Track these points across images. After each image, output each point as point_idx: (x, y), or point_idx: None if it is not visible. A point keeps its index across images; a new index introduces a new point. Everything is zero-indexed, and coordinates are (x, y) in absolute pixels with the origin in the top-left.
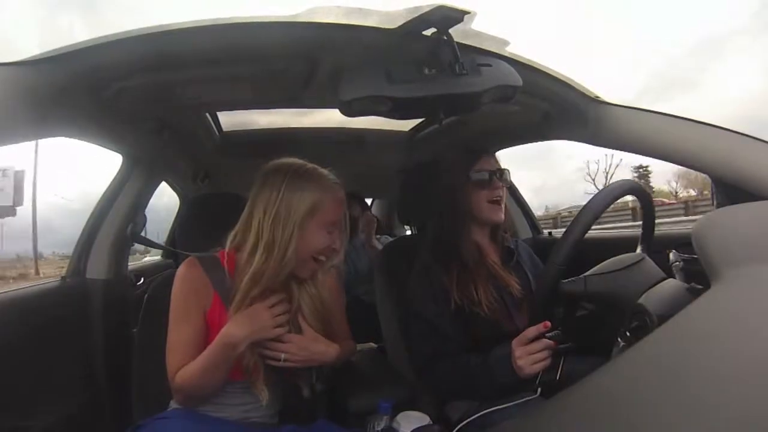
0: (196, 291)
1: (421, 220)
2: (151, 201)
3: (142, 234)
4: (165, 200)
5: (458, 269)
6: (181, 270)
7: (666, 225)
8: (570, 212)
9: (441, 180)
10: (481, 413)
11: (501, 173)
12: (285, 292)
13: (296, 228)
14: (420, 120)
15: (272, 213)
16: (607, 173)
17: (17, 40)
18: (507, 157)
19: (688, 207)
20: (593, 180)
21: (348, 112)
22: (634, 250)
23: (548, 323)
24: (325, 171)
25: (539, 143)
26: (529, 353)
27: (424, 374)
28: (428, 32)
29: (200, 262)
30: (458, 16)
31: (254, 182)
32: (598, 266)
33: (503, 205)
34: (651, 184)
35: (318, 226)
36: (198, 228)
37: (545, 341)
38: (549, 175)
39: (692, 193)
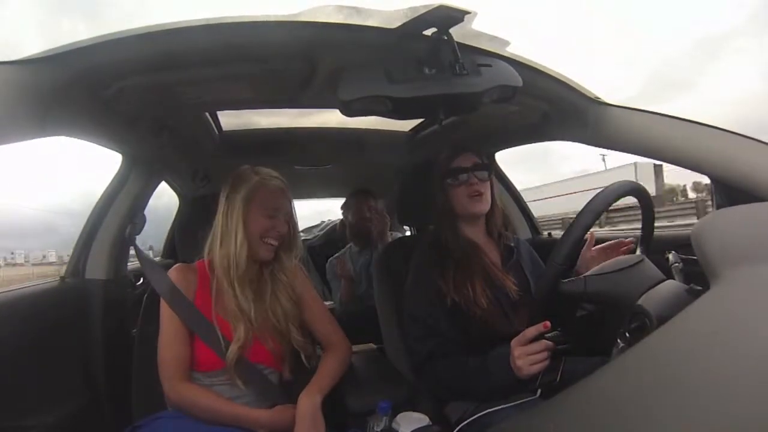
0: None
1: (420, 220)
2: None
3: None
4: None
5: (453, 268)
6: (170, 273)
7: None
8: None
9: (430, 181)
10: (481, 414)
11: (480, 168)
12: (259, 280)
13: (240, 216)
14: (420, 120)
15: (222, 210)
16: None
17: (19, 44)
18: (505, 158)
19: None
20: None
21: (348, 112)
22: (634, 252)
23: (548, 323)
24: (264, 168)
25: (536, 144)
26: (528, 353)
27: (423, 374)
28: (428, 32)
29: (184, 268)
30: (459, 16)
31: None
32: (597, 267)
33: (483, 198)
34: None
35: (257, 212)
36: (197, 228)
37: (545, 342)
38: (546, 176)
39: None
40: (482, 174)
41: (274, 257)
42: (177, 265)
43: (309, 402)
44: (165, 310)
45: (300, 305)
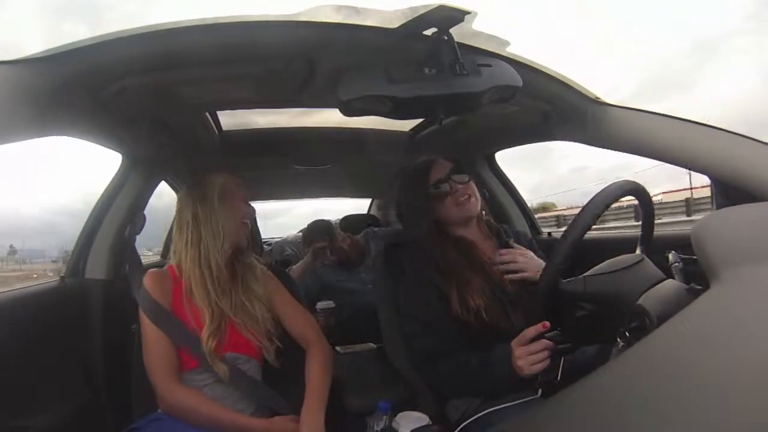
0: (159, 297)
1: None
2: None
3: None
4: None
5: (456, 279)
6: (145, 281)
7: None
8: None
9: (405, 197)
10: (481, 413)
11: (457, 172)
12: (232, 285)
13: (221, 212)
14: (420, 120)
15: (198, 216)
16: None
17: (19, 45)
18: (504, 158)
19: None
20: None
21: (348, 112)
22: (634, 251)
23: (547, 323)
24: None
25: (535, 144)
26: (529, 353)
27: (424, 372)
28: (428, 32)
29: (159, 276)
30: (459, 15)
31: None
32: (597, 266)
33: (472, 200)
34: None
35: (236, 200)
36: None
37: (545, 341)
38: (546, 175)
39: None
40: (461, 177)
41: (238, 260)
42: (150, 271)
43: (312, 422)
44: (144, 319)
45: (270, 303)
